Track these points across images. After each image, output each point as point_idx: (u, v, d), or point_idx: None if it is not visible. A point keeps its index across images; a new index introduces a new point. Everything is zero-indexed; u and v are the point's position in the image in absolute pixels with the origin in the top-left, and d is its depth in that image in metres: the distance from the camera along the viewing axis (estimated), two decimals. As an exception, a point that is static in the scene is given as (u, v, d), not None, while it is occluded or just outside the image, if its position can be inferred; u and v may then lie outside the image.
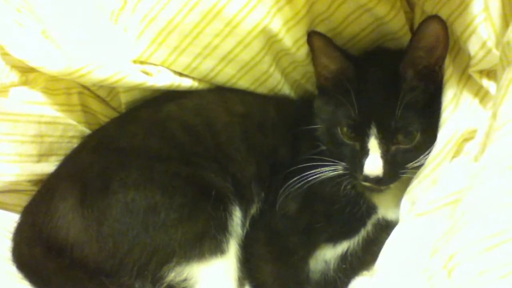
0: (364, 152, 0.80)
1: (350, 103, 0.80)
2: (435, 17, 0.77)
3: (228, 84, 0.96)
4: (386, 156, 0.79)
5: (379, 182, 0.80)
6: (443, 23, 0.77)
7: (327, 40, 0.85)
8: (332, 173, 0.83)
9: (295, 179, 0.83)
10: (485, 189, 0.64)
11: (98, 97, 0.99)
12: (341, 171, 0.83)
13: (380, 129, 0.79)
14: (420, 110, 0.79)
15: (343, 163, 0.83)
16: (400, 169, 0.80)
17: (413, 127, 0.79)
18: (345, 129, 0.82)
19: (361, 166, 0.79)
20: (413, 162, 0.80)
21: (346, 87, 0.81)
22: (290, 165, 0.86)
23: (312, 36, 0.87)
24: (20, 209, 0.88)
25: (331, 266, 0.87)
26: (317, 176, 0.82)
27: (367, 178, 0.79)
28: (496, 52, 0.73)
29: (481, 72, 0.77)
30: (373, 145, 0.79)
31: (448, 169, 0.77)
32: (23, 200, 0.89)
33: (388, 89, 0.80)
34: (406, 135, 0.79)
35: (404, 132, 0.79)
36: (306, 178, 0.82)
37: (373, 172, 0.78)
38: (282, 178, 0.87)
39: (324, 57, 0.86)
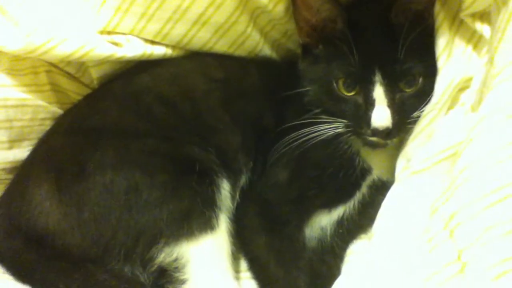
0: (369, 103, 0.75)
1: (349, 50, 0.75)
2: None
3: (204, 49, 0.91)
4: (393, 105, 0.74)
5: (388, 135, 0.75)
6: None
7: None
8: (331, 132, 0.78)
9: (292, 135, 0.78)
10: (484, 142, 0.60)
11: (67, 74, 0.93)
12: (341, 129, 0.78)
13: (385, 75, 0.74)
14: (419, 55, 0.75)
15: (344, 121, 0.78)
16: (407, 118, 0.76)
17: (415, 70, 0.75)
18: (342, 81, 0.77)
19: (367, 119, 0.74)
20: (418, 111, 0.76)
21: (341, 36, 0.76)
22: (278, 131, 0.82)
23: None
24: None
25: (328, 232, 0.84)
26: (315, 134, 0.77)
27: (375, 132, 0.74)
28: (489, -8, 0.68)
29: (473, 15, 0.73)
30: (379, 93, 0.74)
31: (443, 122, 0.74)
32: (-1, 190, 0.85)
33: (385, 35, 0.76)
34: (409, 80, 0.75)
35: (408, 76, 0.75)
36: (304, 136, 0.77)
37: (383, 123, 0.73)
38: (271, 145, 0.82)
39: (309, 7, 0.79)
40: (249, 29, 0.90)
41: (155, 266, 0.74)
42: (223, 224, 0.78)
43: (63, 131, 0.83)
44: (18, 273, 0.75)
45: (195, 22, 0.86)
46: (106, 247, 0.73)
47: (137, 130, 0.79)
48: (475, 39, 0.73)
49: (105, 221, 0.73)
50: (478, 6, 0.70)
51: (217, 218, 0.76)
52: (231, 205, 0.81)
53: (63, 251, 0.73)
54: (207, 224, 0.75)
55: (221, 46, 0.91)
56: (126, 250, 0.73)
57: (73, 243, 0.73)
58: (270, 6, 0.86)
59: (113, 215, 0.73)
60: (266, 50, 0.95)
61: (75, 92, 0.94)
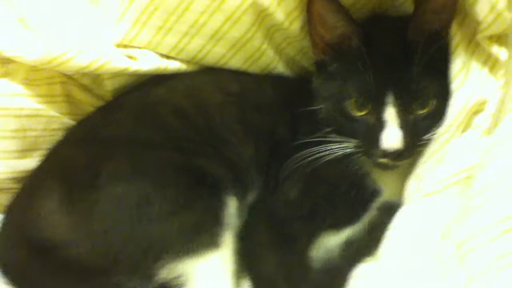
0: (381, 124, 0.74)
1: (363, 68, 0.74)
2: None
3: (219, 65, 0.91)
4: (405, 127, 0.73)
5: (399, 157, 0.74)
6: None
7: (333, 1, 0.77)
8: (341, 151, 0.77)
9: (302, 152, 0.77)
10: (498, 167, 0.59)
11: (82, 85, 0.94)
12: (352, 149, 0.77)
13: (398, 96, 0.73)
14: (433, 75, 0.74)
15: (355, 140, 0.77)
16: (418, 140, 0.75)
17: (429, 91, 0.74)
18: (354, 100, 0.76)
19: (378, 140, 0.74)
20: (430, 134, 0.74)
21: (356, 53, 0.76)
22: (290, 147, 0.81)
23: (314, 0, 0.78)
24: (3, 208, 0.83)
25: (336, 253, 0.83)
26: (325, 153, 0.76)
27: (386, 153, 0.74)
28: (507, 15, 0.67)
29: (490, 38, 0.72)
30: (391, 114, 0.73)
31: (456, 144, 0.72)
32: (6, 200, 0.84)
33: (400, 54, 0.75)
34: (422, 101, 0.74)
35: (422, 97, 0.74)
36: (313, 154, 0.77)
37: (393, 145, 0.73)
38: (283, 161, 0.81)
39: (324, 23, 0.79)
40: (264, 46, 0.90)
41: (159, 281, 0.72)
42: (228, 242, 0.76)
43: (76, 141, 0.83)
44: (22, 285, 0.74)
45: (211, 37, 0.86)
46: (114, 259, 0.71)
47: (151, 141, 0.79)
48: (491, 62, 0.72)
49: (114, 234, 0.71)
50: (495, 29, 0.69)
51: (222, 235, 0.75)
52: (237, 222, 0.80)
53: (69, 263, 0.72)
54: (212, 241, 0.74)
55: (236, 62, 0.91)
56: (132, 263, 0.72)
57: (80, 255, 0.71)
58: (286, 24, 0.86)
59: (123, 227, 0.72)
60: (281, 67, 0.95)
61: (89, 104, 0.94)
